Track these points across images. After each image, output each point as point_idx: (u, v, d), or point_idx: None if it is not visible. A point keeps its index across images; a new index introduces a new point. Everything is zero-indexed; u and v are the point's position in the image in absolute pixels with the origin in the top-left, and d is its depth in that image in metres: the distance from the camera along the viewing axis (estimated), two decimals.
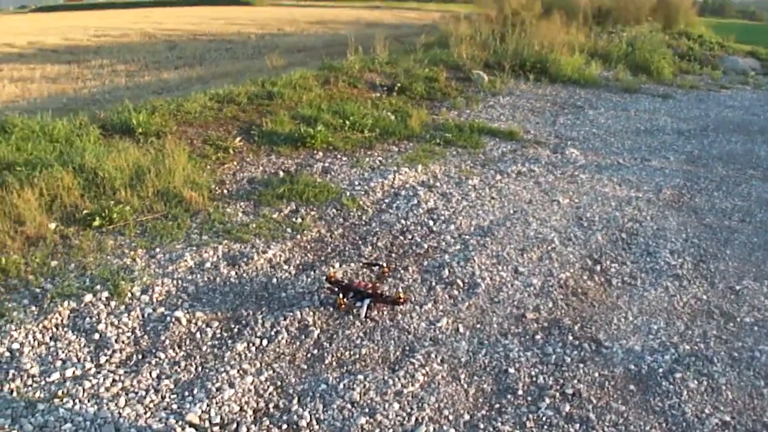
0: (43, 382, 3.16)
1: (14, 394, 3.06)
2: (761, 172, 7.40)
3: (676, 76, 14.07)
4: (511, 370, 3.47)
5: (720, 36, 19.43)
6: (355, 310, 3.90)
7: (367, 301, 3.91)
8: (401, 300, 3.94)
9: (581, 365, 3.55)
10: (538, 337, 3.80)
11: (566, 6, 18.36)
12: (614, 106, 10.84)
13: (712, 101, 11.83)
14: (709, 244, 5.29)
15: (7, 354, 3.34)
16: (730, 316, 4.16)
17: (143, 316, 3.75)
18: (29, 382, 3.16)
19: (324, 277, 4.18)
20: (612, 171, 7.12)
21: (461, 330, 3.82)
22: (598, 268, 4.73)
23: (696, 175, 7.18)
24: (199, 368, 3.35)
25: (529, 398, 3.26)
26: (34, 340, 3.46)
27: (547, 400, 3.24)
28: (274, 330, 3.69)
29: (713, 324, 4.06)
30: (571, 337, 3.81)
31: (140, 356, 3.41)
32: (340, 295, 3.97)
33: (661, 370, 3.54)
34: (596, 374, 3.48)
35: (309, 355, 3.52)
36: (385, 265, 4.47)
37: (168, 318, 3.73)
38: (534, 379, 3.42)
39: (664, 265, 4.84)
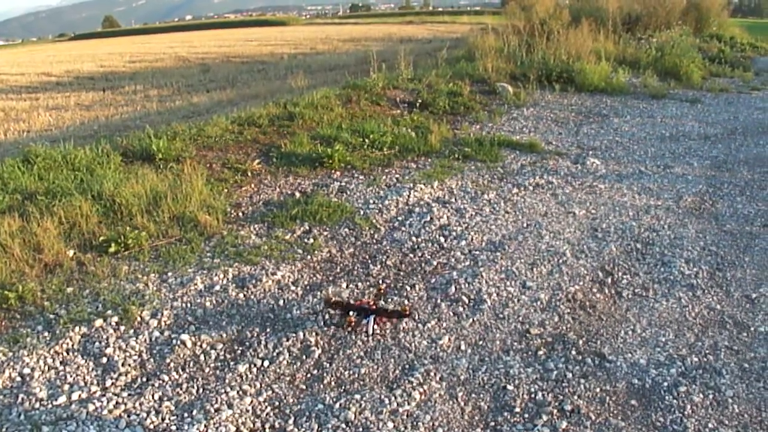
0: (50, 406, 3.25)
1: (22, 417, 3.17)
2: None
3: (705, 79, 13.89)
4: (510, 387, 3.45)
5: (753, 37, 19.10)
6: (361, 328, 3.93)
7: (372, 318, 3.94)
8: (407, 313, 3.97)
9: (582, 380, 3.51)
10: (540, 352, 3.77)
11: (595, 14, 18.26)
12: (640, 113, 10.72)
13: (741, 104, 11.63)
14: (728, 251, 5.19)
15: (18, 378, 3.46)
16: (744, 326, 4.08)
17: (150, 339, 3.83)
18: (37, 405, 3.26)
19: (323, 301, 4.22)
20: (632, 180, 7.04)
21: (463, 347, 3.81)
22: (609, 280, 4.69)
23: (720, 180, 7.06)
24: (201, 390, 3.41)
25: (526, 416, 3.24)
26: (45, 365, 3.57)
27: (544, 418, 3.21)
28: (276, 351, 3.74)
29: (725, 334, 3.98)
30: (574, 352, 3.77)
31: (145, 379, 3.49)
32: (350, 313, 4.00)
33: (665, 383, 3.48)
34: (597, 390, 3.44)
35: (309, 375, 3.55)
36: (380, 283, 4.50)
37: (174, 341, 3.81)
38: (533, 395, 3.39)
39: (678, 275, 4.76)
